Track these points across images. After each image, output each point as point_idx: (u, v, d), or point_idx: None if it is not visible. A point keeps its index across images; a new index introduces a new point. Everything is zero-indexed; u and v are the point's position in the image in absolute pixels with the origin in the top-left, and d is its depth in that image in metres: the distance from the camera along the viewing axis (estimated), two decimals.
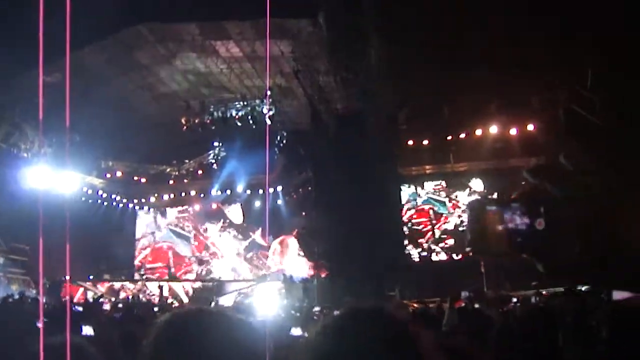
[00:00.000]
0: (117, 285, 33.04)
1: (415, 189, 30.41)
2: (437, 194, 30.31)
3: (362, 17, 22.17)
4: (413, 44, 21.61)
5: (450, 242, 29.61)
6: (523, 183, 25.32)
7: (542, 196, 23.06)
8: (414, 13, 20.99)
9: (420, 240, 29.70)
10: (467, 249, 26.26)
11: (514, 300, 14.91)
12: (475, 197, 29.12)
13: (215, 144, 33.11)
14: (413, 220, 30.16)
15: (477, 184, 29.93)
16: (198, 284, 33.49)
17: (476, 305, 11.36)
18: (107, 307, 20.32)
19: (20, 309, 16.32)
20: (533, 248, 22.37)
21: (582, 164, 21.03)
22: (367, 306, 2.00)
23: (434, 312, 10.53)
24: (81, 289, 30.89)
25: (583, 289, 16.79)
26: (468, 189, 30.02)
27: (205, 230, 36.80)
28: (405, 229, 29.61)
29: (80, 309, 15.64)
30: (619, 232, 19.46)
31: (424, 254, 29.30)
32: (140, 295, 31.44)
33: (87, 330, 6.56)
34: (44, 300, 20.08)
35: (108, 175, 34.76)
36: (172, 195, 36.59)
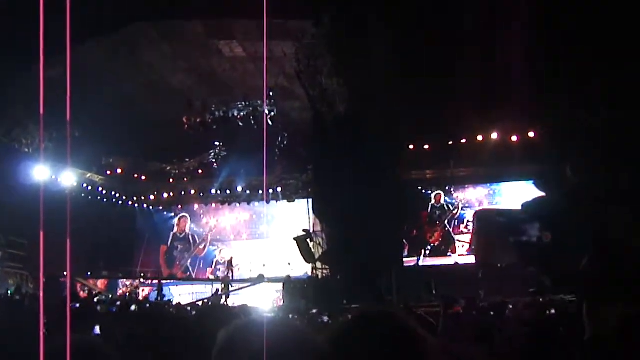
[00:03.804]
0: (114, 282, 33.01)
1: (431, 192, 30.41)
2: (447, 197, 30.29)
3: (365, 18, 22.20)
4: (415, 47, 21.63)
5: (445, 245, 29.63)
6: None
7: (550, 208, 22.98)
8: (417, 16, 21.05)
9: (421, 245, 29.64)
10: (474, 261, 26.23)
11: (510, 307, 14.88)
12: (482, 207, 29.20)
13: (217, 143, 33.05)
14: (423, 225, 30.12)
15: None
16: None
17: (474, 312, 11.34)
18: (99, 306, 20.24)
19: (21, 306, 16.32)
20: (540, 260, 22.27)
21: (588, 175, 20.96)
22: (376, 311, 2.00)
23: (429, 317, 10.50)
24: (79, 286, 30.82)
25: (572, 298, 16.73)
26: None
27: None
28: (414, 232, 29.68)
29: (77, 305, 15.63)
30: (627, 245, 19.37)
31: (424, 258, 29.25)
32: (139, 292, 31.45)
33: (97, 329, 6.54)
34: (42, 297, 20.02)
35: (108, 172, 34.73)
36: (171, 194, 36.53)
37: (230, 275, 33.02)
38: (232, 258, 33.90)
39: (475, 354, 3.78)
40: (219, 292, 28.50)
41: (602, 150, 20.22)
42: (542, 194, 24.37)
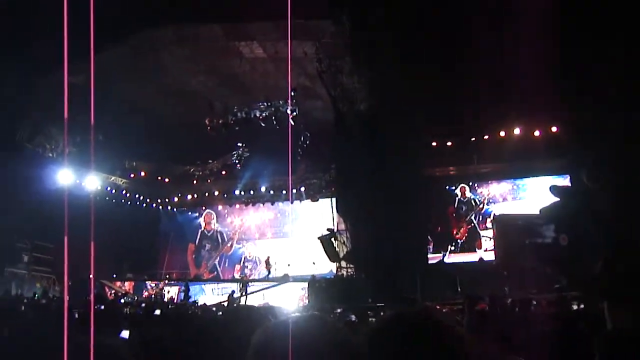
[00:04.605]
0: (141, 284, 33.20)
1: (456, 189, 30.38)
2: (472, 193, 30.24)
3: (380, 16, 22.17)
4: (432, 44, 21.56)
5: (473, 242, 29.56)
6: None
7: (567, 212, 22.79)
8: (426, 13, 20.98)
9: (447, 241, 29.57)
10: (495, 264, 26.15)
11: (534, 303, 14.81)
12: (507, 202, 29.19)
13: (239, 144, 33.07)
14: (448, 222, 30.07)
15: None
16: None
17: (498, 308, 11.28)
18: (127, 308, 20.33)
19: (48, 308, 16.42)
20: (556, 262, 22.11)
21: (606, 178, 20.71)
22: (414, 311, 2.00)
23: (455, 315, 10.46)
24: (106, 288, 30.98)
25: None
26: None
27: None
28: (439, 229, 29.64)
29: (102, 307, 15.70)
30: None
31: (449, 254, 29.15)
32: (164, 293, 31.55)
33: (124, 333, 6.56)
34: (68, 299, 20.13)
35: (132, 175, 34.91)
36: (195, 195, 36.69)
37: (268, 273, 33.07)
38: (269, 257, 33.86)
39: (501, 351, 3.78)
40: (235, 293, 28.49)
41: (619, 153, 19.98)
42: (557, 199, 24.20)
